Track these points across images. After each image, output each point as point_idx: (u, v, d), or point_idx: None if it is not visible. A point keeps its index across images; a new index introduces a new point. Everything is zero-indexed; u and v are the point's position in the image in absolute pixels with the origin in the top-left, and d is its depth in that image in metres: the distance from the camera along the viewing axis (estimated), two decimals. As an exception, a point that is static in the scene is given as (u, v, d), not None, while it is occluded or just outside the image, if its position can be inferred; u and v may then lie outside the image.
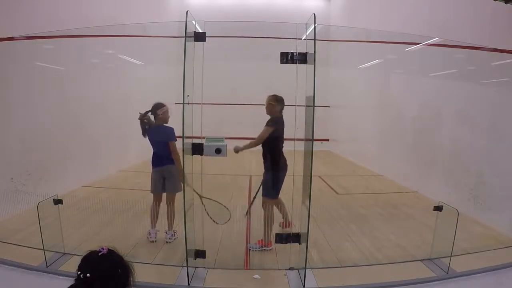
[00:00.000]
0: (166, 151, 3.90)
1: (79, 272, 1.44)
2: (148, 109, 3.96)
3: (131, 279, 1.52)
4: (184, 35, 2.89)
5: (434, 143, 6.02)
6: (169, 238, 3.96)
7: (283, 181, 3.85)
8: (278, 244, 3.46)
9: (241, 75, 10.44)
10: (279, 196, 3.93)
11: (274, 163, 3.77)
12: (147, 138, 3.98)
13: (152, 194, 4.08)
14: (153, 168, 4.01)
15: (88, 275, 1.41)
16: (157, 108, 3.93)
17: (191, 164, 3.19)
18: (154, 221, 4.01)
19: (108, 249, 1.52)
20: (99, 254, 1.48)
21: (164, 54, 8.45)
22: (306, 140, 3.37)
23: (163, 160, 3.93)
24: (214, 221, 3.68)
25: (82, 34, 5.12)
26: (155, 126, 3.96)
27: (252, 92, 10.65)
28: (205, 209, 3.68)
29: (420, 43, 5.77)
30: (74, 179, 5.66)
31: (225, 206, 3.76)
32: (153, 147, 4.01)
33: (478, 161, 4.89)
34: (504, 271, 3.35)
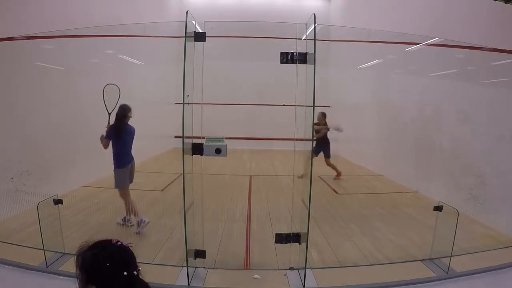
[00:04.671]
0: (131, 148, 4.28)
1: (125, 273, 1.27)
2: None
3: None
4: (184, 35, 2.89)
5: (434, 143, 6.02)
6: (142, 227, 4.13)
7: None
8: (278, 244, 3.46)
9: (241, 75, 10.45)
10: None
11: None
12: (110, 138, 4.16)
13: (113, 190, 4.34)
14: (126, 165, 4.23)
15: (139, 269, 1.31)
16: (129, 109, 4.19)
17: (191, 164, 3.19)
18: (137, 209, 4.22)
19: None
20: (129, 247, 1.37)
21: (164, 54, 8.46)
22: (306, 140, 3.38)
23: (131, 156, 4.31)
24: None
25: (82, 34, 5.13)
26: (129, 126, 4.22)
27: (252, 92, 10.73)
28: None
29: (420, 43, 5.77)
30: (74, 179, 5.66)
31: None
32: (127, 146, 4.23)
33: (478, 161, 4.89)
34: (504, 271, 3.35)
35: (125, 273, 1.27)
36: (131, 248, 1.36)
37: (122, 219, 4.34)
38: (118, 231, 4.24)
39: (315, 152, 7.04)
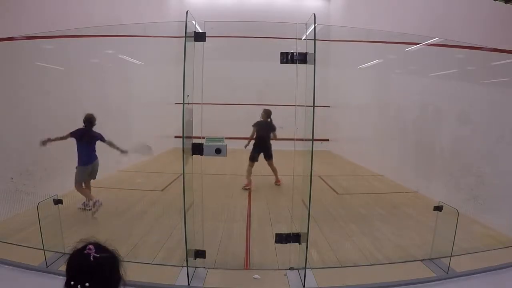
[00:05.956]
0: (94, 150, 4.82)
1: (72, 283, 1.30)
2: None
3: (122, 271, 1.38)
4: (184, 35, 2.89)
5: (434, 143, 6.02)
6: (97, 207, 4.68)
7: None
8: (278, 244, 3.46)
9: (241, 75, 10.44)
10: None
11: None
12: (78, 138, 4.66)
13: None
14: (86, 164, 4.75)
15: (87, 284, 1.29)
16: (95, 119, 4.78)
17: (191, 164, 3.19)
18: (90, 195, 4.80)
19: (95, 245, 1.34)
20: (91, 257, 1.32)
21: (164, 54, 8.45)
22: (306, 140, 3.38)
23: (94, 157, 4.85)
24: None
25: (82, 34, 5.13)
26: (93, 132, 4.78)
27: (252, 92, 10.72)
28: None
29: (420, 43, 5.77)
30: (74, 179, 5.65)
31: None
32: (90, 148, 4.76)
33: (478, 161, 4.89)
34: (504, 271, 3.35)
35: (72, 282, 1.32)
36: (96, 258, 1.31)
37: (83, 204, 4.77)
38: (116, 229, 4.23)
39: (253, 156, 6.52)
